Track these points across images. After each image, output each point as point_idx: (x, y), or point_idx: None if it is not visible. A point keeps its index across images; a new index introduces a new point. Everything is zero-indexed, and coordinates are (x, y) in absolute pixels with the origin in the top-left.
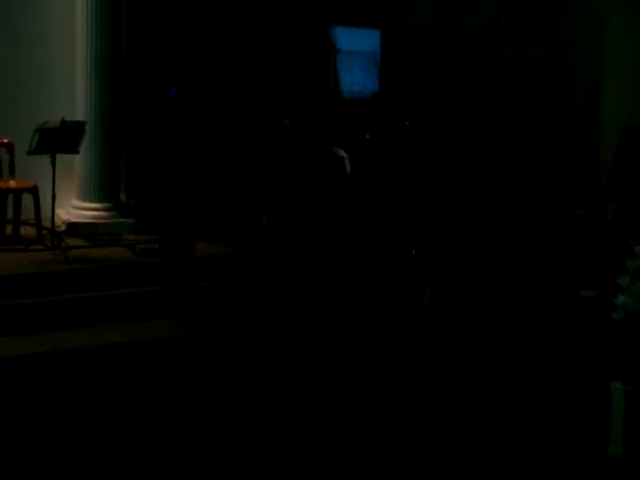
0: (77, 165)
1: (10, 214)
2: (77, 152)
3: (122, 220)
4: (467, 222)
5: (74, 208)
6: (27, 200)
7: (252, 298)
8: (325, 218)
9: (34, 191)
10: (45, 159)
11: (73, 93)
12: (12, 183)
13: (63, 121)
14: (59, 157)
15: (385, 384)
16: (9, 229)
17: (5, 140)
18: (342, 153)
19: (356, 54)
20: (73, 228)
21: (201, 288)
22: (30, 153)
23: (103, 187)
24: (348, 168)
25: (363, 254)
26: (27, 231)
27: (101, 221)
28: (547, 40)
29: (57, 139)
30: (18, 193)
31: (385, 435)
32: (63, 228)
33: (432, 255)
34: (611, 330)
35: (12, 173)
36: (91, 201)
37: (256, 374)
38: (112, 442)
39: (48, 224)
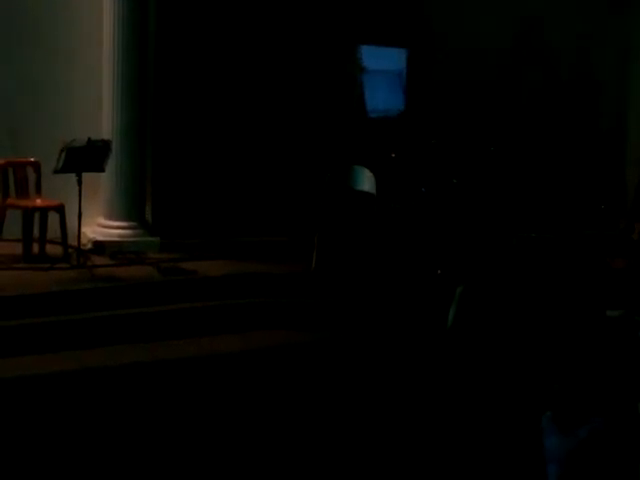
0: (103, 184)
1: (36, 232)
2: (103, 171)
3: (148, 239)
4: (493, 241)
5: (100, 226)
6: (53, 218)
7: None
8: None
9: (60, 210)
10: (71, 178)
11: (99, 112)
12: (38, 202)
13: (89, 140)
14: (85, 176)
15: (409, 403)
16: (35, 247)
17: (32, 159)
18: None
19: (382, 73)
20: (99, 246)
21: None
22: (56, 172)
23: (129, 206)
24: (374, 187)
25: (389, 273)
26: (53, 249)
27: (127, 239)
28: (575, 61)
29: (83, 158)
30: (44, 212)
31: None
32: (89, 246)
33: (457, 274)
34: (638, 350)
35: (38, 192)
36: (117, 219)
37: None
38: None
39: (74, 242)
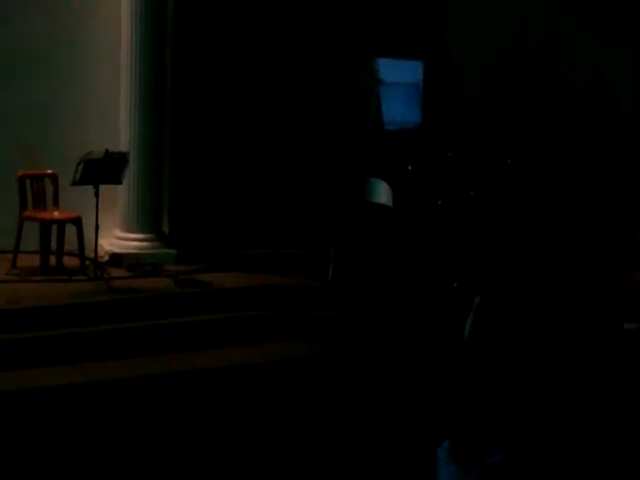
0: (120, 196)
1: (54, 245)
2: (120, 183)
3: (165, 251)
4: (509, 253)
5: (117, 239)
6: (70, 231)
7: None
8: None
9: (78, 222)
10: (88, 190)
11: (117, 124)
12: (56, 214)
13: (107, 152)
14: (102, 188)
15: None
16: (53, 260)
17: (49, 171)
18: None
19: (399, 85)
20: (116, 259)
21: None
22: (74, 184)
23: (146, 218)
24: (390, 200)
25: (406, 286)
26: (70, 262)
27: (144, 252)
28: (590, 75)
29: (101, 170)
30: (62, 224)
31: None
32: (106, 259)
33: (474, 286)
34: None
35: (56, 204)
36: (134, 232)
37: None
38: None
39: (91, 254)
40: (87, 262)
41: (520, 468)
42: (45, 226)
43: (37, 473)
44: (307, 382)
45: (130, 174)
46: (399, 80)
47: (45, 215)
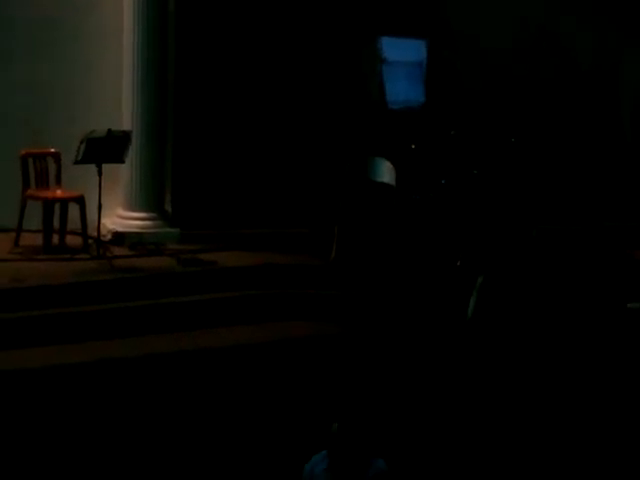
0: (123, 175)
1: (56, 223)
2: (123, 162)
3: (168, 230)
4: (512, 232)
5: (120, 217)
6: (73, 209)
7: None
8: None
9: (80, 201)
10: (91, 169)
11: (119, 104)
12: (59, 193)
13: (109, 131)
14: (105, 167)
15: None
16: (55, 238)
17: (52, 150)
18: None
19: (402, 64)
20: (119, 237)
21: None
22: (76, 163)
23: (148, 197)
24: (393, 179)
25: (409, 264)
26: (73, 240)
27: (147, 230)
28: (596, 51)
29: (103, 149)
30: (64, 203)
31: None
32: (109, 237)
33: (477, 265)
34: None
35: (59, 183)
36: (137, 210)
37: None
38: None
39: (94, 233)
40: (90, 241)
41: (404, 475)
42: (48, 205)
43: (42, 452)
44: (311, 361)
45: (133, 153)
46: (402, 59)
47: (48, 194)
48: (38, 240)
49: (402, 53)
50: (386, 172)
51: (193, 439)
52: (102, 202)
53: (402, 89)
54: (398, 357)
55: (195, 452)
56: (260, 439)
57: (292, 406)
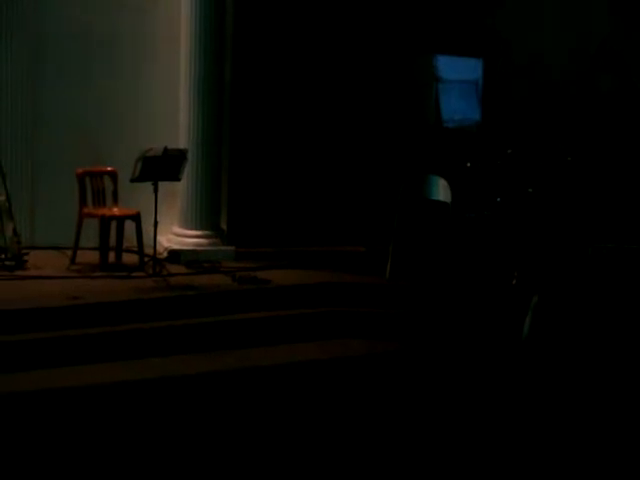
0: (179, 192)
1: (113, 241)
2: (179, 180)
3: (223, 248)
4: (568, 251)
5: (175, 235)
6: (129, 227)
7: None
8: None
9: (137, 218)
10: (147, 186)
11: (176, 121)
12: (115, 210)
13: (166, 149)
14: (161, 184)
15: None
16: (112, 256)
17: (109, 168)
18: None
19: (458, 83)
20: (174, 255)
21: None
22: (133, 181)
23: (204, 214)
24: (449, 197)
25: (464, 283)
26: (129, 258)
27: (202, 248)
28: None
29: (159, 167)
30: (121, 220)
31: None
32: (165, 255)
33: (533, 284)
34: None
35: (115, 201)
36: (192, 228)
37: None
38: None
39: (150, 251)
40: (146, 259)
41: None
42: (104, 222)
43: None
44: (367, 379)
45: (189, 171)
46: (458, 77)
47: (104, 211)
48: (94, 258)
49: (458, 71)
50: (441, 190)
51: (253, 456)
52: (158, 220)
53: (458, 107)
54: (453, 376)
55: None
56: (319, 457)
57: (350, 424)
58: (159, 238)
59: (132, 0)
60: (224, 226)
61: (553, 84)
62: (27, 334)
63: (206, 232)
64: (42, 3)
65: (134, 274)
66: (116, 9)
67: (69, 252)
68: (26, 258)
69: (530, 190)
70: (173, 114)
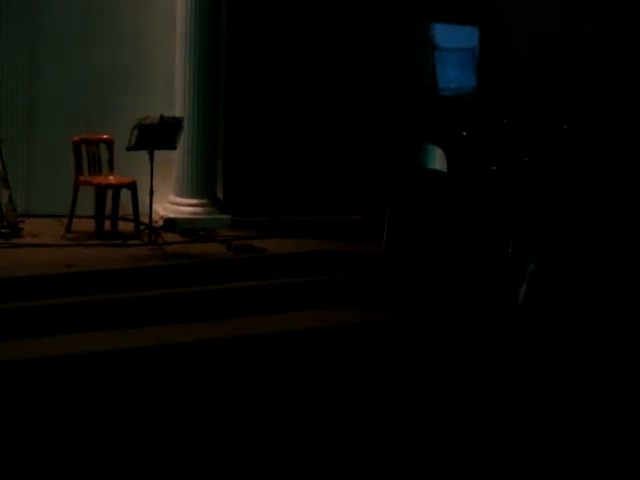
0: (174, 161)
1: (108, 210)
2: (175, 148)
3: (219, 216)
4: (564, 220)
5: (171, 204)
6: (125, 196)
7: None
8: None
9: (132, 187)
10: (143, 155)
11: (172, 90)
12: (111, 179)
13: (162, 117)
14: (157, 153)
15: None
16: (107, 224)
17: (105, 136)
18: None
19: (454, 51)
20: (170, 223)
21: None
22: (129, 149)
23: (200, 183)
24: (445, 166)
25: (460, 252)
26: (125, 226)
27: (198, 217)
28: None
29: (155, 135)
30: (117, 189)
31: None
32: (160, 223)
33: (529, 253)
34: None
35: (111, 169)
36: (188, 197)
37: None
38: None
39: (145, 219)
40: (141, 227)
41: None
42: (100, 191)
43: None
44: (363, 348)
45: (185, 139)
46: (454, 45)
47: (100, 180)
48: (90, 226)
49: (454, 39)
50: (437, 159)
51: (249, 424)
52: (154, 188)
53: (454, 76)
54: (449, 344)
55: (252, 435)
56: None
57: (347, 395)
58: (155, 206)
59: None
60: (220, 195)
61: (550, 52)
62: (22, 302)
63: (202, 200)
64: None
65: (130, 242)
66: None
67: (65, 220)
68: (22, 226)
69: (526, 159)
70: (169, 83)
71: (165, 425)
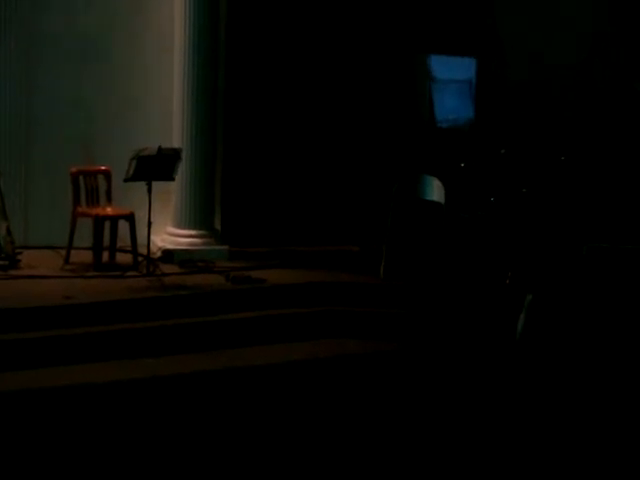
0: (172, 192)
1: (106, 241)
2: (173, 179)
3: (217, 247)
4: (562, 251)
5: (169, 235)
6: (123, 227)
7: None
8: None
9: (130, 218)
10: (141, 186)
11: (169, 121)
12: (109, 210)
13: (160, 148)
14: (155, 184)
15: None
16: (106, 256)
17: (103, 167)
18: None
19: (451, 82)
20: (168, 255)
21: None
22: (127, 180)
23: (198, 214)
24: (443, 197)
25: (458, 283)
26: (123, 258)
27: (196, 248)
28: None
29: (154, 166)
30: (115, 220)
31: None
32: (158, 255)
33: (526, 284)
34: None
35: (109, 200)
36: (186, 228)
37: None
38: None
39: (143, 251)
40: (139, 258)
41: None
42: (98, 222)
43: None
44: (361, 379)
45: (182, 170)
46: (452, 77)
47: (98, 211)
48: (88, 257)
49: (451, 71)
50: (435, 190)
51: (247, 456)
52: (152, 220)
53: (451, 107)
54: (449, 376)
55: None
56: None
57: (345, 423)
58: (153, 238)
59: (126, 2)
60: (218, 226)
61: (547, 84)
62: (20, 333)
63: (200, 232)
64: (38, 4)
65: (128, 274)
66: (112, 8)
67: (63, 252)
68: (20, 257)
69: (524, 190)
70: (168, 114)
71: (160, 457)
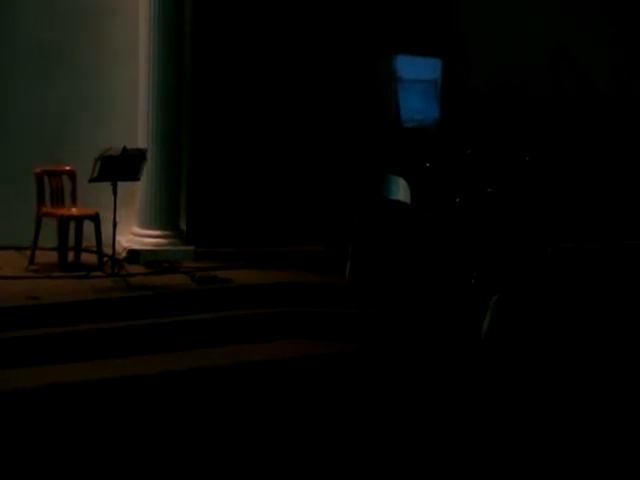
0: (138, 192)
1: (72, 241)
2: (138, 179)
3: (183, 248)
4: (527, 251)
5: (135, 235)
6: (88, 227)
7: None
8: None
9: (95, 218)
10: (106, 186)
11: (135, 121)
12: (74, 210)
13: (124, 149)
14: (120, 184)
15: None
16: (71, 256)
17: (67, 167)
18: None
19: (417, 82)
20: (133, 255)
21: None
22: (92, 180)
23: (163, 214)
24: (408, 197)
25: (423, 283)
26: (88, 258)
27: (161, 248)
28: (612, 69)
29: (118, 167)
30: (80, 220)
31: None
32: (124, 255)
33: (492, 284)
34: None
35: (74, 201)
36: (152, 228)
37: None
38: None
39: (109, 251)
40: (105, 259)
41: None
42: (63, 223)
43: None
44: (325, 379)
45: (148, 171)
46: (417, 77)
47: (63, 211)
48: (53, 258)
49: (417, 71)
50: (401, 190)
51: (206, 459)
52: (117, 220)
53: (417, 107)
54: (410, 375)
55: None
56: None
57: (307, 423)
58: (118, 238)
59: (92, 4)
60: (183, 226)
61: (512, 84)
62: None
63: (165, 232)
64: (4, 5)
65: (93, 274)
66: (77, 10)
67: (27, 252)
68: None
69: (489, 190)
70: (132, 113)
71: (122, 459)
